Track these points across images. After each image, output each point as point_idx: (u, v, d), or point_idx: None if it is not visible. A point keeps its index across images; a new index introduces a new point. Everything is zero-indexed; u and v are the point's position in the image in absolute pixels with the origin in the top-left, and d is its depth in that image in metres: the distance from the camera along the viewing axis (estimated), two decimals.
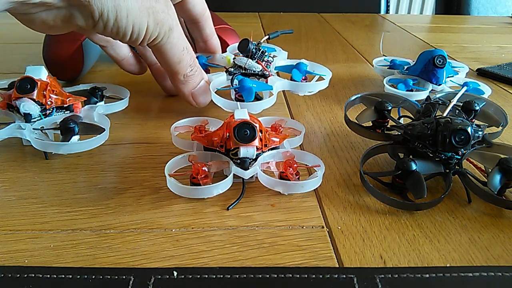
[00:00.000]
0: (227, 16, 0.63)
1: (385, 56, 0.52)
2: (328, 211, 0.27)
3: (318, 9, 0.98)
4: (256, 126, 0.28)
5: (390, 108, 0.33)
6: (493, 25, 0.88)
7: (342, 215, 0.27)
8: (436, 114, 0.31)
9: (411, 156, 0.30)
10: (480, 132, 0.30)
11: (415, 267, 0.22)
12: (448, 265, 0.23)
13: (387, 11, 1.12)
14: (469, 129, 0.28)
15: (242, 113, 0.29)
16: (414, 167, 0.28)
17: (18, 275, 0.21)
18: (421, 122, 0.30)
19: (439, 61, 0.42)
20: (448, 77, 0.44)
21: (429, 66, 0.43)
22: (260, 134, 0.28)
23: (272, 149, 0.30)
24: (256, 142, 0.28)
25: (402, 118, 0.36)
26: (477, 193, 0.28)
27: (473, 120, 0.33)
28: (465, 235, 0.25)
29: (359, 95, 0.36)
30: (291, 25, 0.81)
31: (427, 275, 0.22)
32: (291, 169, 0.28)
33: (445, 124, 0.28)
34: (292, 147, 0.31)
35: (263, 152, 0.29)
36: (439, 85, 0.43)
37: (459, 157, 0.29)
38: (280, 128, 0.33)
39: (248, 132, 0.28)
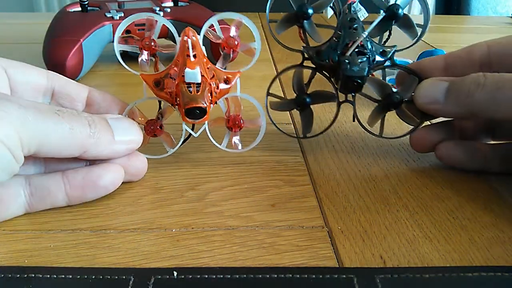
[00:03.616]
0: None
1: None
2: (328, 211, 0.27)
3: None
4: (204, 104, 0.28)
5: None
6: (493, 25, 0.88)
7: (342, 215, 0.27)
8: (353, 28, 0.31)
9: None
10: (387, 60, 0.32)
11: (415, 267, 0.22)
12: (448, 265, 0.23)
13: None
14: (364, 75, 0.30)
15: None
16: (308, 101, 0.31)
17: (18, 275, 0.21)
18: (329, 47, 0.32)
19: None
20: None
21: None
22: (210, 87, 0.29)
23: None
24: (206, 104, 0.28)
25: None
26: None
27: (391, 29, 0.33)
28: (465, 235, 0.25)
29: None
30: None
31: (427, 275, 0.22)
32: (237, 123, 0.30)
33: (343, 71, 0.30)
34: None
35: (216, 102, 0.30)
36: None
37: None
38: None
39: (199, 111, 0.28)
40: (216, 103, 0.30)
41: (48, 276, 0.21)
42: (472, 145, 0.31)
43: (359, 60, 0.30)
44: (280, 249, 0.24)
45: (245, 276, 0.21)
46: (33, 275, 0.21)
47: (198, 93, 0.28)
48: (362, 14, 0.33)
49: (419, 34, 0.32)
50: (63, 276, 0.21)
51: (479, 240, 0.25)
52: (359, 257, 0.23)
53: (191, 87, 0.28)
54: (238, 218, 0.26)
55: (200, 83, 0.28)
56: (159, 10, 0.52)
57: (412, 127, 0.32)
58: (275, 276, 0.21)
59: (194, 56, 0.28)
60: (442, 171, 0.31)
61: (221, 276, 0.21)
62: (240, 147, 0.31)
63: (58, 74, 0.29)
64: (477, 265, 0.23)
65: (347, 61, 0.30)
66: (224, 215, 0.26)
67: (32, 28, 0.71)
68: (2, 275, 0.21)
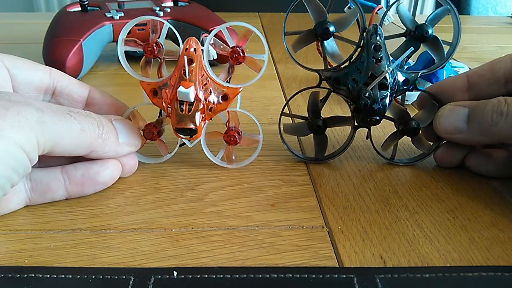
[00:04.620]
0: (227, 16, 0.63)
1: None
2: (328, 211, 0.27)
3: None
4: (194, 126, 0.28)
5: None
6: (493, 25, 0.88)
7: (342, 215, 0.27)
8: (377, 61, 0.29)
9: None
10: (410, 86, 0.31)
11: (415, 267, 0.22)
12: (448, 265, 0.23)
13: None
14: (384, 112, 0.29)
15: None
16: (323, 126, 0.31)
17: (18, 275, 0.21)
18: (349, 74, 0.30)
19: None
20: (448, 77, 0.44)
21: (429, 66, 0.43)
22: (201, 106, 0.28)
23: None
24: (198, 121, 0.28)
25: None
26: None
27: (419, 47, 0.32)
28: (465, 235, 0.25)
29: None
30: (291, 25, 0.80)
31: (427, 275, 0.22)
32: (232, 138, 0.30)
33: (363, 107, 0.29)
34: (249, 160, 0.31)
35: (211, 119, 0.30)
36: None
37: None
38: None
39: (189, 131, 0.28)
40: (211, 119, 0.30)
41: (48, 276, 0.21)
42: (499, 153, 0.31)
43: (380, 96, 0.29)
44: (280, 249, 0.24)
45: (245, 276, 0.21)
46: (33, 275, 0.21)
47: (190, 113, 0.27)
48: (387, 19, 0.32)
49: (446, 54, 0.31)
50: (63, 276, 0.21)
51: (479, 240, 0.25)
52: (359, 257, 0.23)
53: (183, 104, 0.27)
54: (238, 218, 0.26)
55: (193, 102, 0.28)
56: (159, 10, 0.52)
57: (423, 152, 0.32)
58: (275, 276, 0.21)
59: (191, 72, 0.27)
60: (442, 171, 0.31)
61: (221, 276, 0.21)
62: (234, 163, 0.31)
63: (62, 73, 0.30)
64: (477, 265, 0.23)
65: (367, 95, 0.29)
66: (223, 215, 0.26)
67: (32, 28, 0.71)
68: (2, 275, 0.21)
